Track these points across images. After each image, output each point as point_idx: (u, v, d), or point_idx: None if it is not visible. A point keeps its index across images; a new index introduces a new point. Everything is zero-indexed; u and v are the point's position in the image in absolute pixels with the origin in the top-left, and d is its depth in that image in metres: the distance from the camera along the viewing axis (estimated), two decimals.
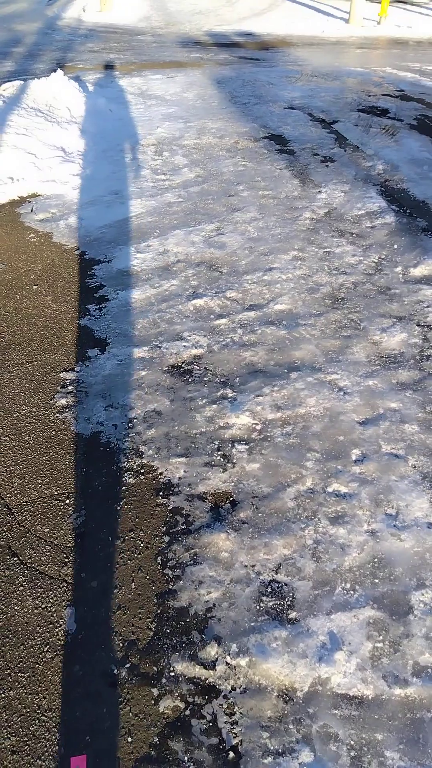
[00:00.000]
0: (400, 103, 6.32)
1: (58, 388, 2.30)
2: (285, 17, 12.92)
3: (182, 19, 13.76)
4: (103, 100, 6.15)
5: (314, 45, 10.33)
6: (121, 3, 16.75)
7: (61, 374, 2.37)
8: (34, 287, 3.01)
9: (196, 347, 2.48)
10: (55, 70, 8.50)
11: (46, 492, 1.85)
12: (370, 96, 6.62)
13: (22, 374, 2.39)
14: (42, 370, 2.41)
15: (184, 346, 2.49)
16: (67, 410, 2.18)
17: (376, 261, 3.21)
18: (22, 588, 1.57)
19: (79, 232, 3.52)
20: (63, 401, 2.22)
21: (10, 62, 9.33)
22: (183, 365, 2.40)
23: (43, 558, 1.65)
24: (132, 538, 1.70)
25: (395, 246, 3.37)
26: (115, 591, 1.57)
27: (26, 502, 1.82)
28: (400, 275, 3.08)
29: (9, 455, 1.99)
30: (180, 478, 1.88)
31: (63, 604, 1.53)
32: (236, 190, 4.01)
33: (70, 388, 2.29)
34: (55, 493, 1.85)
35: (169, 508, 1.79)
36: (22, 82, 6.33)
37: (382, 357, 2.45)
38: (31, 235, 3.53)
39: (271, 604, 1.53)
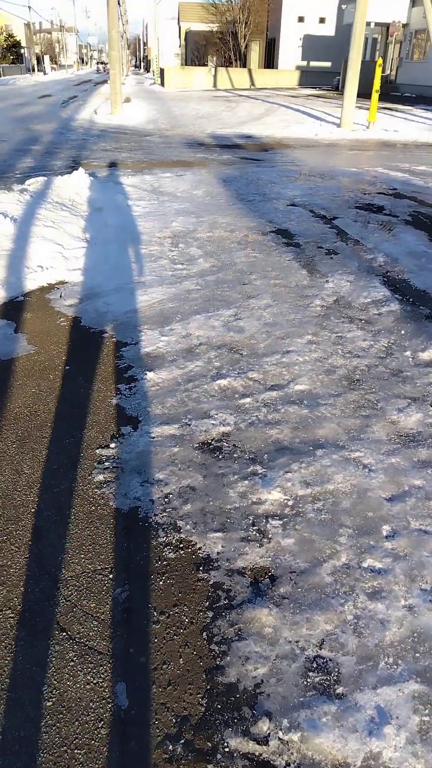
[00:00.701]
0: (395, 201, 6.88)
1: (95, 464, 2.40)
2: (281, 121, 14.21)
3: (186, 122, 15.08)
4: (120, 196, 6.67)
5: (309, 147, 11.29)
6: (130, 106, 18.37)
7: (97, 450, 2.48)
8: (67, 368, 3.18)
9: (223, 425, 2.62)
10: (73, 167, 9.22)
11: (89, 567, 1.91)
12: (365, 194, 7.21)
13: (60, 450, 2.50)
14: (79, 446, 2.52)
15: (212, 423, 2.63)
16: (105, 486, 2.28)
17: (386, 345, 3.43)
18: (72, 663, 1.60)
19: (106, 317, 3.76)
20: (101, 477, 2.32)
21: (30, 159, 10.12)
22: (212, 442, 2.52)
23: (91, 633, 1.69)
24: (177, 613, 1.75)
25: (402, 332, 3.61)
26: (164, 666, 1.60)
27: (71, 576, 1.88)
28: (410, 359, 3.28)
29: (52, 530, 2.06)
30: (218, 553, 1.95)
31: (114, 679, 1.56)
32: (249, 279, 4.32)
33: (106, 464, 2.40)
34: (99, 567, 1.91)
35: (210, 583, 1.85)
36: (45, 178, 6.88)
37: (402, 436, 2.59)
38: (61, 319, 3.76)
39: (317, 679, 1.57)
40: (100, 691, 1.54)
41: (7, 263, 4.42)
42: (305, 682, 1.56)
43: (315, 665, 1.61)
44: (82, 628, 1.70)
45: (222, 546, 1.97)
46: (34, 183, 6.64)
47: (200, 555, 1.95)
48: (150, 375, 3.05)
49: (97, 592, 1.82)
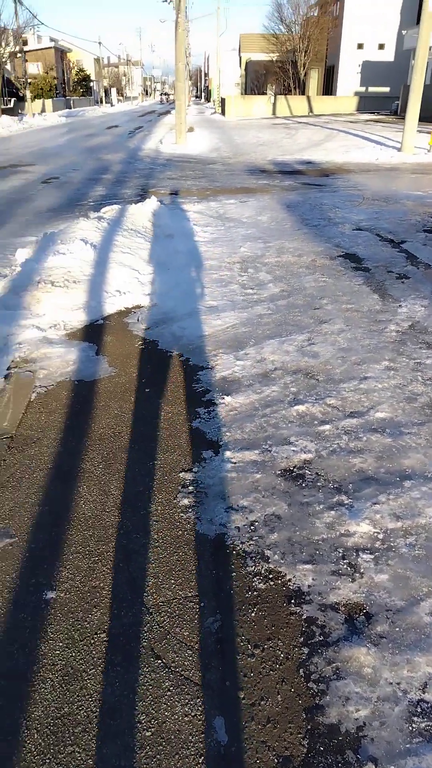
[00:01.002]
0: None
1: (179, 487, 2.43)
2: (341, 147, 14.24)
3: (248, 149, 15.37)
4: (189, 222, 6.84)
5: (371, 171, 11.23)
6: (193, 135, 18.91)
7: (181, 474, 2.51)
8: (146, 390, 3.25)
9: (304, 452, 2.59)
10: (142, 195, 9.53)
11: (180, 593, 1.92)
12: None
13: (144, 472, 2.54)
14: (162, 469, 2.55)
15: (293, 450, 2.60)
16: (189, 510, 2.29)
17: None
18: (169, 693, 1.60)
19: (182, 341, 3.83)
20: (185, 501, 2.34)
21: (101, 187, 10.56)
22: (295, 469, 2.49)
23: (186, 663, 1.68)
24: (271, 647, 1.72)
25: None
26: (262, 702, 1.57)
27: (162, 602, 1.89)
28: None
29: (141, 552, 2.09)
30: (309, 586, 1.91)
31: (212, 712, 1.55)
32: (320, 304, 4.30)
33: (190, 488, 2.42)
34: (189, 594, 1.91)
35: (303, 617, 1.81)
36: (119, 206, 7.15)
37: None
38: (139, 342, 3.86)
39: (423, 725, 1.50)
40: (199, 724, 1.52)
41: (88, 288, 4.60)
42: (410, 728, 1.49)
43: (419, 710, 1.53)
44: (177, 656, 1.70)
45: (312, 579, 1.93)
46: (109, 211, 6.91)
47: (291, 587, 1.91)
48: (227, 399, 3.07)
49: (189, 620, 1.81)
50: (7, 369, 3.65)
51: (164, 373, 3.45)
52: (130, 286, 4.78)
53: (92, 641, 1.79)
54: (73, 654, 1.75)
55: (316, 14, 33.18)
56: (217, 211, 7.81)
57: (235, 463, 2.54)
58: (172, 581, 1.97)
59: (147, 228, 6.26)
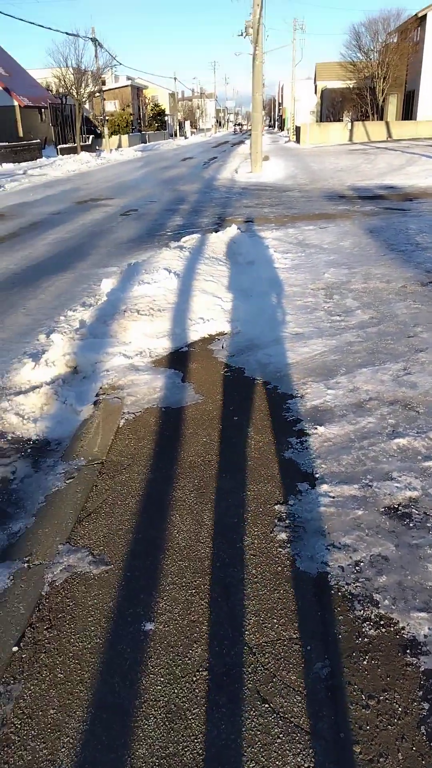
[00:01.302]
0: None
1: (275, 521, 2.36)
2: (424, 171, 13.93)
3: (325, 176, 15.36)
4: (269, 249, 6.87)
5: None
6: (268, 164, 19.19)
7: (275, 507, 2.45)
8: (235, 419, 3.23)
9: (409, 489, 2.46)
10: (219, 224, 9.71)
11: (284, 634, 1.84)
12: None
13: (237, 503, 2.50)
14: (255, 500, 2.50)
15: (397, 486, 2.48)
16: (288, 545, 2.22)
17: None
18: (279, 741, 1.52)
19: (269, 368, 3.80)
20: (283, 535, 2.27)
21: (179, 217, 10.87)
22: (400, 507, 2.37)
23: (295, 709, 1.60)
24: (387, 699, 1.61)
25: None
26: (381, 760, 1.46)
27: (266, 642, 1.82)
28: None
29: (240, 588, 2.04)
30: (426, 636, 1.78)
31: (327, 766, 1.45)
32: (415, 332, 4.14)
33: (286, 521, 2.35)
34: (294, 636, 1.83)
35: (420, 669, 1.68)
36: (199, 234, 7.32)
37: None
38: (225, 369, 3.87)
39: None
40: None
41: (172, 315, 4.70)
42: None
43: None
44: (285, 702, 1.62)
45: (429, 628, 1.80)
46: (190, 240, 7.08)
47: (405, 636, 1.79)
48: (320, 429, 2.99)
49: (296, 664, 1.73)
50: (96, 395, 3.76)
51: (252, 401, 3.43)
52: (214, 314, 4.83)
53: (195, 678, 1.74)
54: (176, 690, 1.72)
55: (395, 40, 33.06)
56: (297, 238, 7.80)
57: (333, 497, 2.45)
58: (275, 620, 1.89)
59: (227, 255, 6.34)
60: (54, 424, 3.55)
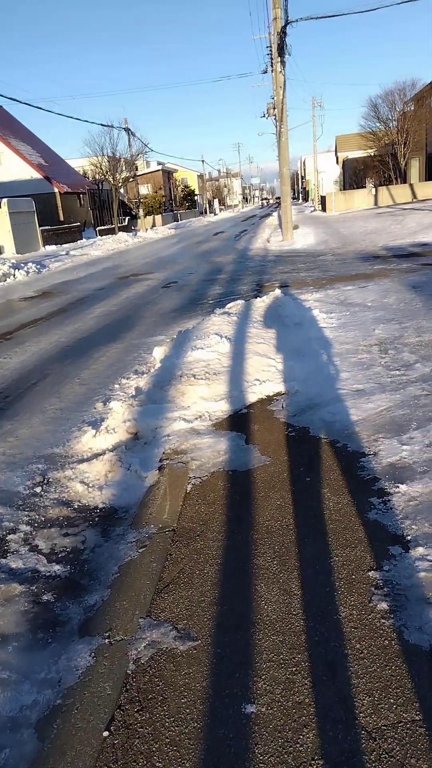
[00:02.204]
0: None
1: (372, 589, 2.21)
2: None
3: (356, 239, 15.69)
4: (314, 310, 6.92)
5: None
6: (298, 232, 19.78)
7: (370, 573, 2.29)
8: (307, 479, 3.13)
9: None
10: (258, 290, 9.92)
11: (404, 716, 1.66)
12: None
13: (325, 571, 2.36)
14: (346, 567, 2.36)
15: None
16: (391, 616, 2.05)
17: None
18: None
19: (334, 426, 3.70)
20: (383, 605, 2.11)
21: (218, 287, 11.17)
22: None
23: None
24: None
25: None
26: None
27: (386, 726, 1.64)
28: None
29: (345, 665, 1.87)
30: None
31: None
32: None
33: (385, 589, 2.19)
34: (416, 718, 1.65)
35: None
36: (243, 300, 7.45)
37: None
38: (289, 429, 3.79)
39: None
40: None
41: (228, 378, 4.70)
42: None
43: None
44: None
45: None
46: (235, 306, 7.22)
47: None
48: (403, 488, 2.84)
49: (426, 750, 1.55)
50: (160, 461, 3.72)
51: (322, 460, 3.32)
52: (269, 375, 4.81)
53: None
54: None
55: (412, 108, 34.54)
56: (338, 298, 7.87)
57: None
58: (391, 700, 1.72)
59: (273, 318, 6.41)
60: (120, 491, 3.51)
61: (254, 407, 4.31)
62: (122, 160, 38.51)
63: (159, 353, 5.94)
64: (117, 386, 5.45)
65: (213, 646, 2.08)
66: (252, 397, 4.48)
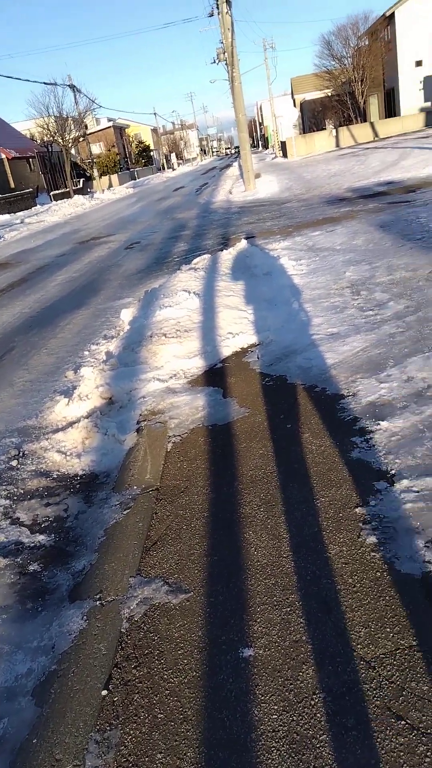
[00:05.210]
0: None
1: (360, 524, 2.21)
2: (420, 162, 13.86)
3: (320, 183, 15.36)
4: (282, 259, 6.80)
5: None
6: (261, 181, 19.31)
7: (357, 510, 2.29)
8: (288, 426, 3.10)
9: None
10: (224, 243, 9.70)
11: (402, 642, 1.68)
12: None
13: (313, 512, 2.35)
14: (333, 506, 2.35)
15: None
16: (381, 549, 2.06)
17: None
18: (428, 761, 1.35)
19: (312, 372, 3.67)
20: (373, 538, 2.11)
21: (183, 243, 10.89)
22: None
23: None
24: None
25: None
26: None
27: (384, 654, 1.65)
28: None
29: (339, 600, 1.88)
30: None
31: None
32: None
33: (373, 523, 2.19)
34: (414, 643, 1.67)
35: None
36: (209, 255, 7.28)
37: None
38: (266, 379, 3.74)
39: None
40: None
41: (200, 334, 4.61)
42: None
43: None
44: (424, 716, 1.45)
45: None
46: (201, 260, 7.04)
47: None
48: (384, 424, 2.83)
49: (427, 673, 1.56)
50: (137, 423, 3.65)
51: (301, 406, 3.29)
52: (241, 327, 4.73)
53: (312, 702, 1.58)
54: (294, 718, 1.56)
55: (367, 43, 33.52)
56: (306, 244, 7.73)
57: (418, 491, 2.29)
58: (388, 630, 1.73)
59: (242, 270, 6.27)
60: (99, 457, 3.44)
61: (229, 361, 4.24)
62: (70, 119, 36.77)
63: (127, 315, 5.79)
64: (87, 353, 5.32)
65: (206, 597, 2.07)
66: (226, 350, 4.40)
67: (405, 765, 1.36)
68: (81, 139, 38.44)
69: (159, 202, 22.42)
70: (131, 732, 1.66)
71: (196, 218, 14.54)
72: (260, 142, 78.51)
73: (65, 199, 32.18)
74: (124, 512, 2.78)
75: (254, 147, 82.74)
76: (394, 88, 33.43)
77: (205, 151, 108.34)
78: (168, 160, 64.19)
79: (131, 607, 2.12)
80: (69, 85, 35.46)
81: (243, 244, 7.19)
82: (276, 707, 1.60)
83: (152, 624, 2.02)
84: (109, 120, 55.84)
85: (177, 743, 1.58)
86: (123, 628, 2.03)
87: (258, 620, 1.91)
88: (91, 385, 4.28)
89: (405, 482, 2.35)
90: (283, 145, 34.20)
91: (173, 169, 59.22)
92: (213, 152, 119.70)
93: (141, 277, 8.38)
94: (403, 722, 1.45)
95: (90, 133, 44.81)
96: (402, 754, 1.39)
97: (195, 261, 7.11)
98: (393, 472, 2.45)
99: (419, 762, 1.36)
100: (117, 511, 2.79)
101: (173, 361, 4.40)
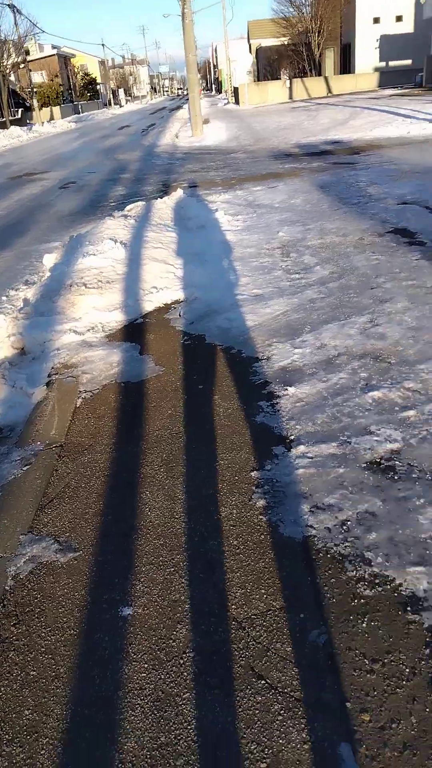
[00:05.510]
0: None
1: (253, 488, 2.23)
2: (368, 123, 13.76)
3: (269, 135, 15.01)
4: (219, 212, 6.62)
5: (404, 145, 10.78)
6: (209, 127, 18.64)
7: (252, 474, 2.31)
8: (200, 387, 3.07)
9: (390, 441, 2.36)
10: (164, 191, 9.37)
11: (274, 603, 1.72)
12: None
13: (210, 474, 2.35)
14: (230, 469, 2.36)
15: (376, 440, 2.38)
16: (269, 512, 2.09)
17: None
18: (281, 718, 1.41)
19: (231, 333, 3.63)
20: (262, 502, 2.14)
21: (121, 187, 10.43)
22: (382, 461, 2.27)
23: (294, 682, 1.49)
24: (392, 661, 1.51)
25: None
26: (393, 726, 1.37)
27: (255, 615, 1.70)
28: None
29: (222, 561, 1.91)
30: (426, 591, 1.69)
31: (334, 738, 1.35)
32: (377, 283, 4.04)
33: (265, 487, 2.22)
34: (285, 605, 1.72)
35: (424, 626, 1.59)
36: (144, 202, 6.99)
37: None
38: (185, 338, 3.68)
39: None
40: (322, 752, 1.33)
41: (123, 287, 4.45)
42: None
43: None
44: (283, 676, 1.51)
45: (428, 582, 1.71)
46: (134, 208, 6.76)
47: (403, 593, 1.70)
48: (291, 390, 2.86)
49: (291, 634, 1.62)
50: (48, 376, 3.51)
51: (216, 367, 3.26)
52: (167, 281, 4.60)
53: (181, 661, 1.61)
54: (162, 676, 1.58)
55: None
56: (246, 199, 7.57)
57: (311, 457, 2.33)
58: (263, 591, 1.77)
59: (176, 221, 6.07)
60: (4, 410, 3.30)
61: (151, 316, 4.13)
62: (9, 42, 33.72)
63: (50, 261, 5.50)
64: (5, 298, 5.03)
65: (94, 556, 2.05)
66: (149, 305, 4.28)
67: (258, 722, 1.41)
68: (21, 65, 35.45)
69: (102, 140, 21.27)
70: (2, 689, 1.64)
71: (138, 161, 13.92)
72: (213, 86, 75.41)
73: (1, 130, 29.89)
74: (24, 468, 2.69)
75: (207, 90, 79.58)
76: (350, 44, 32.71)
77: (155, 89, 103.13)
78: (116, 96, 60.68)
79: (18, 565, 2.07)
80: (8, 5, 32.37)
81: (180, 193, 6.94)
82: (146, 665, 1.62)
83: (37, 582, 1.98)
84: (54, 47, 51.65)
85: (45, 701, 1.58)
86: (7, 586, 1.99)
87: (142, 580, 1.91)
88: (2, 334, 4.06)
89: (302, 448, 2.39)
90: (235, 92, 33.04)
91: (120, 106, 56.12)
92: (164, 91, 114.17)
93: (73, 220, 7.98)
94: (263, 681, 1.50)
95: (31, 60, 41.36)
96: (257, 711, 1.44)
97: (128, 208, 6.82)
98: (292, 437, 2.49)
99: (272, 719, 1.41)
100: (16, 467, 2.70)
101: (92, 313, 4.24)
